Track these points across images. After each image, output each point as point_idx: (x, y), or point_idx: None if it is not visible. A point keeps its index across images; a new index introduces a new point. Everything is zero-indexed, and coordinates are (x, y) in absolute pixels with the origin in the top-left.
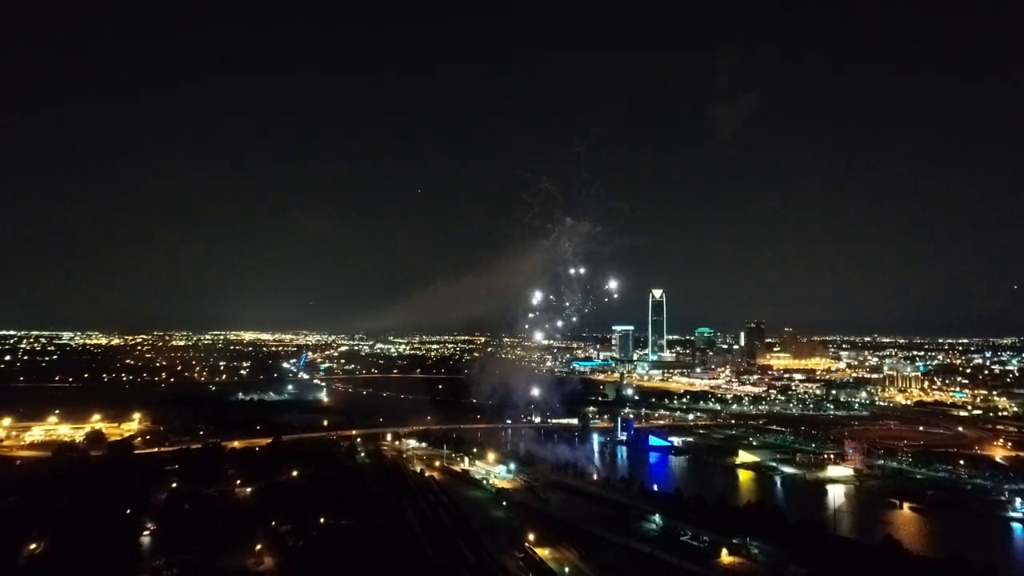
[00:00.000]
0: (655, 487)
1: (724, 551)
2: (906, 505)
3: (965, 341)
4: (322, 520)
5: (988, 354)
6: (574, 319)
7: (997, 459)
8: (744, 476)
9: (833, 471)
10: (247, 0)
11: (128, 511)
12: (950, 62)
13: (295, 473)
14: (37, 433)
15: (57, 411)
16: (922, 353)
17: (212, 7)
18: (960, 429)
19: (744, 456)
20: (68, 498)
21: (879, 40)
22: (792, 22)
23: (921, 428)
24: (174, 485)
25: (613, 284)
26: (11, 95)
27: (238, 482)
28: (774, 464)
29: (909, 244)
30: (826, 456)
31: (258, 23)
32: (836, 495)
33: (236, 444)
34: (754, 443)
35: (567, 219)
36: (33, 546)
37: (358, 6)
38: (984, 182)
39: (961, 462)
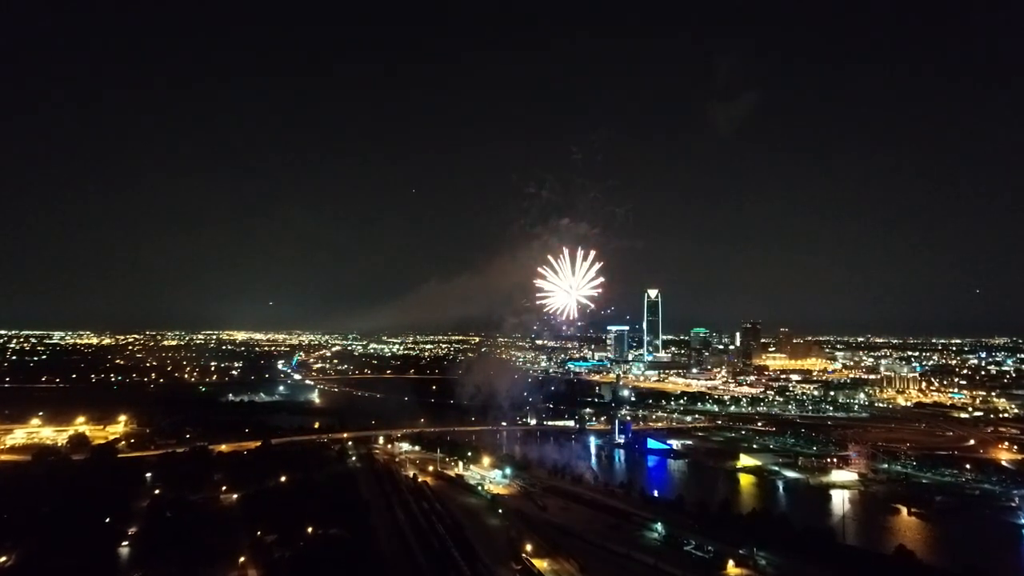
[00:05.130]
0: (655, 493)
1: (730, 562)
2: (912, 510)
3: (958, 341)
4: (310, 529)
5: (983, 355)
6: (567, 320)
7: (1003, 462)
8: (745, 480)
9: (837, 475)
10: (246, 1)
11: (108, 519)
12: (948, 62)
13: (283, 478)
14: (19, 436)
15: (41, 413)
16: (916, 353)
17: (212, 7)
18: (963, 432)
19: (745, 460)
20: (47, 505)
21: (877, 40)
22: (791, 21)
23: (922, 428)
24: (157, 491)
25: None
26: (6, 94)
27: (224, 488)
28: (776, 468)
29: (902, 244)
30: (829, 460)
31: (256, 23)
32: (842, 501)
33: (223, 448)
34: (755, 446)
35: (563, 221)
36: (3, 558)
37: (356, 6)
38: (978, 183)
39: (967, 466)
